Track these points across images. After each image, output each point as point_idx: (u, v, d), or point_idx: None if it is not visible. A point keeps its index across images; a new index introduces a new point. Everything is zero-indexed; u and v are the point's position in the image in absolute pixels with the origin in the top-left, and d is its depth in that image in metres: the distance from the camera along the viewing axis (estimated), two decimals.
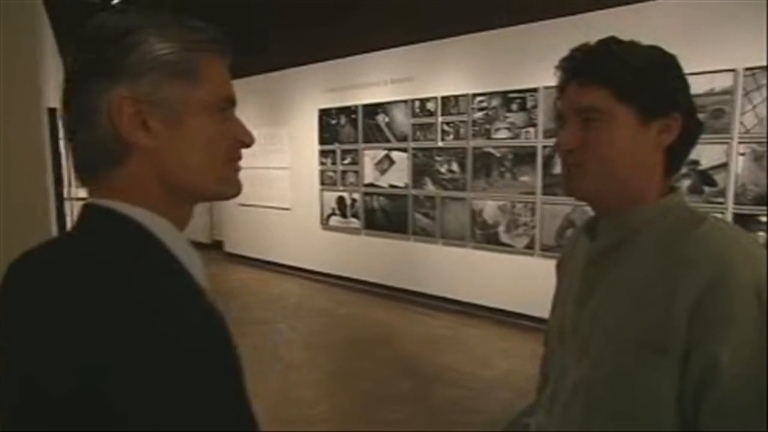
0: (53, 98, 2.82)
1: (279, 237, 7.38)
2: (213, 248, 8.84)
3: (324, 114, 6.54)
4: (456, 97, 5.23)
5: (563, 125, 0.85)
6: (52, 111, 2.61)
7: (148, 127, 0.60)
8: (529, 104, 4.73)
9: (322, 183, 6.67)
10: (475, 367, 4.02)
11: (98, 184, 0.62)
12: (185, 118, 0.62)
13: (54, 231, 2.34)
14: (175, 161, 0.62)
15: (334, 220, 6.59)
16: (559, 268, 1.04)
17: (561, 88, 0.86)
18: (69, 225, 2.90)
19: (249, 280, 6.97)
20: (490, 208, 5.09)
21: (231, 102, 0.67)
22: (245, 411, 0.62)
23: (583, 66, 0.82)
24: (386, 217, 6.01)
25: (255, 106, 7.57)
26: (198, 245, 6.49)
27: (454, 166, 5.32)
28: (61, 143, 2.66)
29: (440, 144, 5.40)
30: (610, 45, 0.82)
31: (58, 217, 2.62)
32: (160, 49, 0.60)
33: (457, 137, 5.27)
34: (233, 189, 0.70)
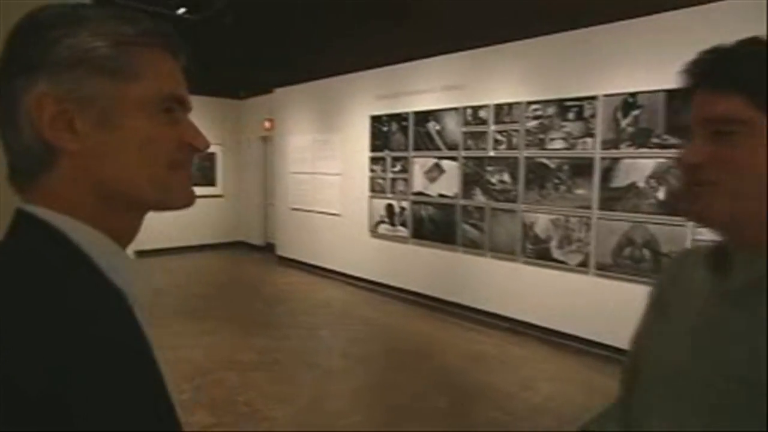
0: None
1: (328, 242, 7.43)
2: (266, 250, 9.06)
3: (375, 121, 6.53)
4: (509, 104, 5.04)
5: (690, 137, 0.73)
6: None
7: (75, 129, 0.55)
8: (587, 113, 4.47)
9: (372, 190, 6.65)
10: (517, 388, 3.82)
11: (30, 191, 0.57)
12: (117, 119, 0.56)
13: None
14: (105, 166, 0.56)
15: (383, 228, 6.54)
16: (657, 298, 0.90)
17: (688, 96, 0.74)
18: None
19: (297, 284, 7.05)
20: (542, 221, 4.85)
21: (177, 101, 0.61)
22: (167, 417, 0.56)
23: (716, 69, 0.70)
24: (434, 226, 5.89)
25: (308, 112, 7.70)
26: (252, 247, 6.72)
27: (506, 177, 5.12)
28: None
29: (491, 153, 5.23)
30: (750, 45, 0.70)
31: None
32: (89, 42, 0.54)
33: (509, 147, 5.07)
34: (178, 198, 0.63)
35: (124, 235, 0.61)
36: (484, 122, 5.28)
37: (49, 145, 0.54)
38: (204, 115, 9.37)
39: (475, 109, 5.35)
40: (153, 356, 0.57)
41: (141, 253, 7.06)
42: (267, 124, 8.87)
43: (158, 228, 8.73)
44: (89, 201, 0.57)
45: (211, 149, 9.38)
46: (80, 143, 0.55)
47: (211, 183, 9.43)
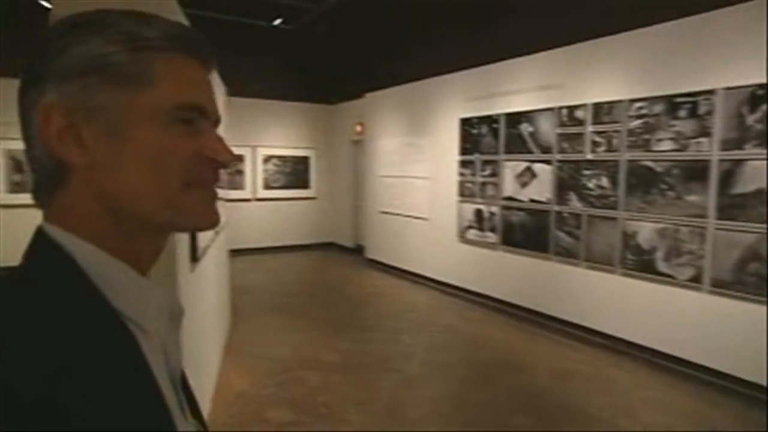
0: None
1: (415, 247, 7.38)
2: (356, 252, 9.23)
3: (465, 123, 6.37)
4: (610, 103, 4.65)
5: None
6: None
7: (83, 142, 0.51)
8: (702, 110, 3.97)
9: (461, 194, 6.49)
10: (611, 414, 3.48)
11: (48, 208, 0.54)
12: (126, 130, 0.51)
13: None
14: (113, 181, 0.52)
15: (471, 233, 6.35)
16: None
17: None
18: None
19: (384, 287, 7.08)
20: (646, 230, 4.40)
21: (197, 110, 0.55)
22: None
23: None
24: (525, 233, 5.59)
25: (397, 116, 7.71)
26: (342, 249, 6.87)
27: (605, 182, 4.72)
28: None
29: (589, 156, 4.85)
30: None
31: None
32: (99, 48, 0.51)
33: (609, 149, 4.67)
34: (194, 219, 0.56)
35: (142, 256, 0.57)
36: (581, 123, 4.91)
37: (58, 159, 0.51)
38: (298, 121, 9.81)
39: (572, 109, 5.00)
40: (153, 384, 0.52)
41: (236, 252, 7.50)
42: (358, 128, 9.04)
43: (253, 228, 9.28)
44: (101, 219, 0.53)
45: (305, 153, 9.79)
46: (88, 157, 0.51)
47: (305, 185, 9.81)
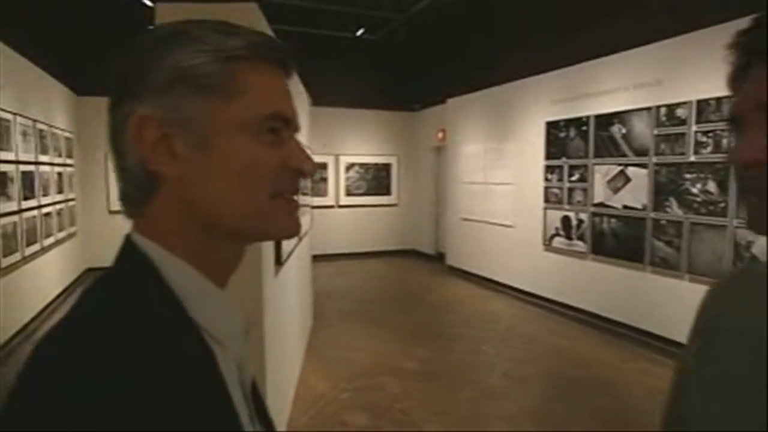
0: None
1: (499, 254, 7.17)
2: (437, 260, 9.15)
3: (551, 127, 6.09)
4: (717, 99, 4.22)
5: (741, 130, 0.57)
6: None
7: (175, 153, 0.52)
8: None
9: (547, 201, 6.21)
10: None
11: (137, 218, 0.56)
12: (216, 140, 0.52)
13: None
14: (203, 192, 0.52)
15: (558, 242, 6.05)
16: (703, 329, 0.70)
17: (734, 78, 0.58)
18: None
19: (465, 296, 6.94)
20: (763, 240, 3.92)
21: (283, 120, 0.55)
22: None
23: None
24: (617, 242, 5.22)
25: (480, 121, 7.56)
26: (423, 256, 6.86)
27: (711, 186, 4.29)
28: None
29: (692, 158, 4.43)
30: None
31: None
32: (187, 60, 0.51)
33: (716, 150, 4.24)
34: (280, 228, 0.57)
35: (225, 265, 0.58)
36: (683, 122, 4.51)
37: (150, 171, 0.52)
38: (380, 128, 9.95)
39: (672, 107, 4.60)
40: (226, 396, 0.52)
41: (318, 257, 7.72)
42: (440, 135, 8.99)
43: (335, 234, 9.51)
44: (188, 230, 0.54)
45: (387, 160, 9.90)
46: (180, 168, 0.52)
47: (387, 192, 9.91)
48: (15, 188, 4.71)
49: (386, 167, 9.92)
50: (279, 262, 3.13)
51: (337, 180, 9.59)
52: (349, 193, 9.67)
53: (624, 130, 5.10)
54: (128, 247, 0.54)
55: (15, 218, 4.68)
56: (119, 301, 0.49)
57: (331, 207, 9.53)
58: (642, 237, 4.92)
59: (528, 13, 6.19)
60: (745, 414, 0.58)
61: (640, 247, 4.94)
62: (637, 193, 4.98)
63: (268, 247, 2.81)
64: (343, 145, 9.61)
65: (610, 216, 5.29)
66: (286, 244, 3.43)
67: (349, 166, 9.66)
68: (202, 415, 0.48)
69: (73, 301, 0.52)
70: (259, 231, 0.56)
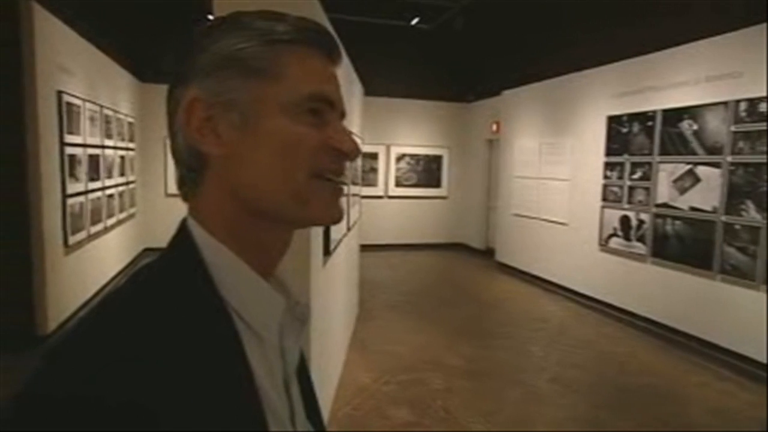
0: None
1: (551, 253, 6.92)
2: (486, 255, 8.97)
3: (613, 121, 5.78)
4: None
5: None
6: None
7: (219, 134, 0.53)
8: None
9: (605, 199, 5.92)
10: None
11: (190, 200, 0.57)
12: (258, 120, 0.53)
13: None
14: (244, 171, 0.53)
15: (615, 242, 5.76)
16: None
17: None
18: None
19: (514, 293, 6.76)
20: None
21: (325, 101, 0.56)
22: None
23: None
24: (682, 245, 4.90)
25: (536, 114, 7.29)
26: (472, 250, 6.74)
27: None
28: None
29: None
30: None
31: None
32: (233, 44, 0.53)
33: None
34: (319, 212, 0.56)
35: (269, 250, 0.58)
36: (766, 118, 4.14)
37: (197, 151, 0.54)
38: (432, 119, 9.82)
39: (754, 101, 4.24)
40: (246, 382, 0.51)
41: (366, 247, 7.72)
42: (494, 127, 8.76)
43: (384, 225, 9.50)
44: (232, 212, 0.55)
45: (438, 152, 9.76)
46: (224, 148, 0.53)
47: (437, 184, 9.79)
48: (82, 170, 4.95)
49: (437, 159, 9.79)
50: (327, 251, 3.12)
51: (387, 170, 9.55)
52: (399, 184, 9.62)
53: (695, 126, 4.75)
54: (180, 231, 0.56)
55: (82, 198, 4.93)
56: (157, 284, 0.51)
57: (381, 197, 9.52)
58: (711, 242, 4.59)
59: (590, 0, 5.88)
60: None
61: (709, 252, 4.61)
62: (707, 194, 4.64)
63: (317, 236, 2.80)
64: (394, 135, 9.55)
65: (675, 218, 4.97)
66: (335, 234, 3.42)
67: (400, 157, 9.60)
68: (217, 400, 0.47)
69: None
70: (297, 213, 0.55)
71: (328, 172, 0.56)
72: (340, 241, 3.80)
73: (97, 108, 5.42)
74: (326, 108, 0.56)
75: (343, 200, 0.60)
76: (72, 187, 4.67)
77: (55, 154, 4.31)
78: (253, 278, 0.55)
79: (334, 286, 3.59)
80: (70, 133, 4.62)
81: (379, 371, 4.08)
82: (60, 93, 4.35)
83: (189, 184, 0.57)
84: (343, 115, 0.59)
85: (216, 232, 0.54)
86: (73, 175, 4.68)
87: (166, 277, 0.52)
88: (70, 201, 4.60)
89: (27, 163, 3.98)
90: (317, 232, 2.81)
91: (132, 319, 0.47)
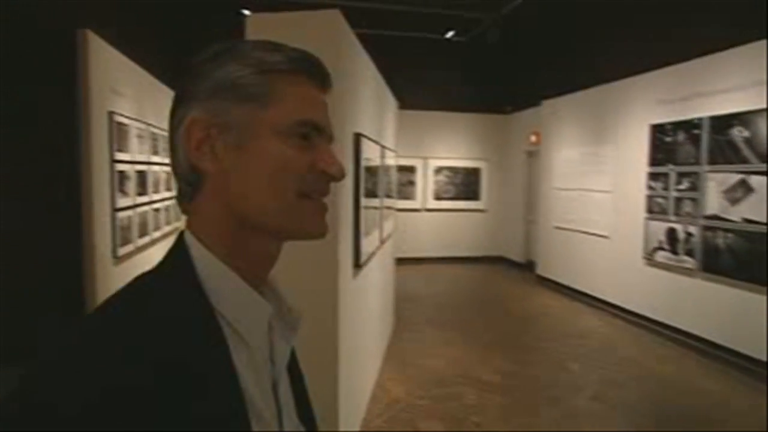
0: (359, 123, 3.27)
1: (593, 266, 6.70)
2: (526, 268, 8.78)
3: (656, 130, 5.58)
4: None
5: None
6: (357, 136, 3.04)
7: (216, 152, 0.58)
8: None
9: (649, 211, 5.70)
10: None
11: (188, 213, 0.62)
12: (249, 141, 0.58)
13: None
14: (236, 188, 0.58)
15: (661, 256, 5.52)
16: None
17: None
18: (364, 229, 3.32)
19: (554, 307, 6.58)
20: None
21: (313, 127, 0.60)
22: None
23: None
24: (735, 259, 4.64)
25: (577, 124, 7.13)
26: (511, 263, 6.63)
27: None
28: (362, 164, 3.08)
29: None
30: None
31: (354, 223, 3.04)
32: (232, 72, 0.58)
33: None
34: (304, 228, 0.61)
35: (256, 260, 0.61)
36: None
37: (194, 166, 0.59)
38: (470, 132, 9.76)
39: None
40: (231, 381, 0.54)
41: (403, 260, 7.71)
42: (533, 138, 8.62)
43: (421, 238, 9.47)
44: (224, 223, 0.59)
45: (476, 164, 9.68)
46: (219, 165, 0.58)
47: (475, 197, 9.69)
48: (131, 185, 5.22)
49: (476, 171, 9.71)
50: (358, 264, 3.15)
51: (425, 183, 9.55)
52: (437, 197, 9.59)
53: (747, 134, 4.52)
54: (177, 241, 0.60)
55: (130, 212, 5.19)
56: (151, 291, 0.55)
57: (418, 210, 9.51)
58: (766, 255, 4.33)
59: (631, 6, 5.74)
60: None
61: (764, 267, 4.34)
62: (761, 206, 4.39)
63: (346, 249, 2.84)
64: (432, 148, 9.55)
65: (727, 230, 4.72)
66: (367, 247, 3.44)
67: (438, 170, 9.58)
68: (200, 401, 0.49)
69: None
70: (283, 227, 0.60)
71: (314, 192, 0.60)
72: (373, 254, 3.82)
73: (145, 126, 5.71)
74: (314, 133, 0.60)
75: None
76: (121, 202, 4.91)
77: (106, 171, 4.56)
78: (240, 286, 0.58)
79: (366, 299, 3.61)
80: (120, 150, 4.88)
81: (412, 384, 4.05)
82: (111, 113, 4.62)
83: (186, 197, 0.61)
84: (331, 138, 0.63)
85: (209, 242, 0.58)
86: (122, 190, 4.94)
87: (160, 285, 0.56)
88: (119, 215, 4.84)
89: (80, 179, 4.23)
90: (346, 245, 2.84)
91: (122, 322, 0.50)
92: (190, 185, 0.60)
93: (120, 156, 4.93)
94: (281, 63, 0.59)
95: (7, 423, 0.44)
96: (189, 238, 0.59)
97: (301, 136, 0.59)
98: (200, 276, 0.57)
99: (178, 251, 0.59)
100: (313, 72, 0.61)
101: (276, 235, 0.61)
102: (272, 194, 0.58)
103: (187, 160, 0.59)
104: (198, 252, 0.58)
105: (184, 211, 0.62)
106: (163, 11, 6.78)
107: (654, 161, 5.62)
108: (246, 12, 5.75)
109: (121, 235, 4.97)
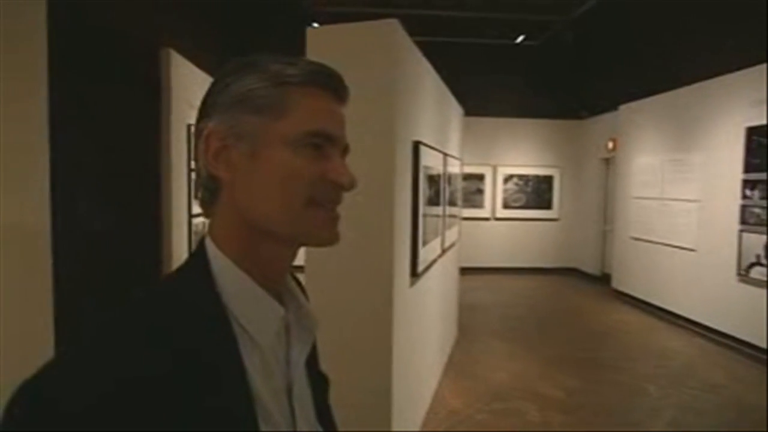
0: (418, 132, 3.25)
1: (677, 282, 6.20)
2: (601, 281, 8.31)
3: (753, 133, 5.08)
4: None
5: None
6: (416, 144, 3.03)
7: (231, 161, 0.61)
8: None
9: (744, 222, 5.19)
10: None
11: (209, 219, 0.66)
12: (262, 151, 0.60)
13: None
14: (247, 195, 0.61)
15: (758, 272, 5.00)
16: None
17: None
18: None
19: (632, 324, 6.16)
20: None
21: (325, 137, 0.62)
22: None
23: None
24: None
25: (658, 128, 6.67)
26: (584, 276, 6.33)
27: None
28: (421, 172, 3.06)
29: None
30: None
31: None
32: (247, 85, 0.61)
33: None
34: (313, 236, 0.63)
35: (269, 265, 0.64)
36: None
37: (212, 175, 0.62)
38: (541, 138, 9.44)
39: None
40: (240, 380, 0.57)
41: (470, 270, 7.56)
42: (609, 145, 8.17)
43: (490, 247, 9.25)
44: (237, 229, 0.62)
45: (548, 172, 9.33)
46: (232, 173, 0.61)
47: (547, 206, 9.33)
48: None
49: (547, 179, 9.35)
50: (415, 273, 3.13)
51: (494, 191, 9.33)
52: (506, 206, 9.34)
53: None
54: (198, 246, 0.64)
55: (203, 218, 5.51)
56: (169, 291, 0.60)
57: (487, 219, 9.30)
58: None
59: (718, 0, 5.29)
60: None
61: None
62: None
63: (402, 258, 2.83)
64: (501, 155, 9.33)
65: None
66: (426, 255, 3.41)
67: (508, 178, 9.33)
68: (208, 397, 0.52)
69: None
70: (292, 234, 0.62)
71: (324, 201, 0.62)
72: (433, 262, 3.78)
73: None
74: (327, 143, 0.62)
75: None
76: (196, 209, 5.24)
77: (184, 179, 4.88)
78: (253, 289, 0.61)
79: (425, 309, 3.58)
80: (195, 160, 5.21)
81: (472, 397, 3.95)
82: (189, 125, 4.95)
83: (207, 203, 0.65)
84: (346, 149, 0.65)
85: (225, 246, 0.62)
86: (197, 197, 5.27)
87: (178, 285, 0.60)
88: (194, 220, 5.16)
89: (161, 186, 4.56)
90: (402, 253, 2.83)
91: (137, 317, 0.55)
92: (209, 191, 0.63)
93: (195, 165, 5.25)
94: (296, 76, 0.61)
95: (24, 414, 0.47)
96: (208, 241, 0.63)
97: (313, 147, 0.60)
98: (216, 279, 0.60)
99: (198, 255, 0.62)
100: (328, 84, 0.63)
101: (286, 241, 0.63)
102: (279, 202, 0.60)
103: (206, 168, 0.62)
104: (213, 253, 0.61)
105: (206, 215, 0.65)
106: (237, 27, 7.16)
107: (750, 167, 5.12)
108: (315, 25, 5.95)
109: (196, 239, 5.27)
